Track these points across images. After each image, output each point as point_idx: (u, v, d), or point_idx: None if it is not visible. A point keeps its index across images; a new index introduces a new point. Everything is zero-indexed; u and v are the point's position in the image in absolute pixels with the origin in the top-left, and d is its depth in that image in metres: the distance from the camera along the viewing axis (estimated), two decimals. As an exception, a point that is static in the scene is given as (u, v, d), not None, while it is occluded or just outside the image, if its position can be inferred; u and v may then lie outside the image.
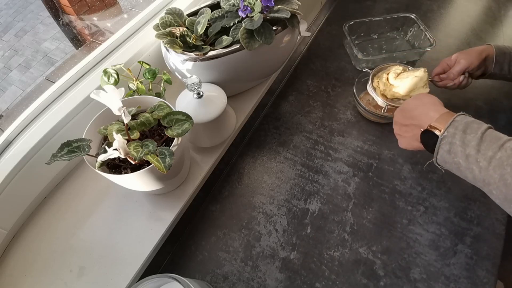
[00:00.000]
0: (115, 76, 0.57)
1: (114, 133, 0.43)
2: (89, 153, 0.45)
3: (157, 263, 0.58)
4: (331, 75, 0.86)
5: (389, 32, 0.93)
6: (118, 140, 0.43)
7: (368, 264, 0.57)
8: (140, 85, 0.59)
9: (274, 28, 0.59)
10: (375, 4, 1.06)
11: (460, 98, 0.77)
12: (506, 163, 0.38)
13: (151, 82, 0.60)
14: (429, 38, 0.81)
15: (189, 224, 0.63)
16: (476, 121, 0.44)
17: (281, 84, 0.84)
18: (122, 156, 0.45)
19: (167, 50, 0.60)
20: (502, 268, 0.56)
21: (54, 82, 0.61)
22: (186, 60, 0.58)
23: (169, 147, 0.48)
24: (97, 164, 0.46)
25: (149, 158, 0.44)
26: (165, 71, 0.62)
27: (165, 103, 0.52)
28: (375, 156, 0.69)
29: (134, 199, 0.60)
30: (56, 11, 1.76)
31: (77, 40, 1.72)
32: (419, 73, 0.65)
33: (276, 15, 0.57)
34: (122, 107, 0.44)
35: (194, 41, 0.58)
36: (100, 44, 0.66)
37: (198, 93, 0.56)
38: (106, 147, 0.43)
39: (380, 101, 0.69)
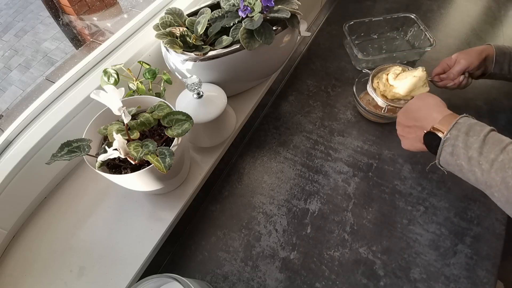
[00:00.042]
0: (115, 76, 0.57)
1: (114, 133, 0.43)
2: (89, 153, 0.45)
3: (157, 263, 0.58)
4: (331, 75, 0.86)
5: (389, 32, 0.93)
6: (118, 140, 0.43)
7: (368, 264, 0.57)
8: (140, 85, 0.59)
9: (274, 28, 0.59)
10: (375, 4, 1.05)
11: (460, 98, 0.77)
12: (508, 166, 0.38)
13: (151, 82, 0.60)
14: (429, 38, 0.81)
15: (189, 224, 0.63)
16: (479, 123, 0.44)
17: (281, 84, 0.84)
18: (122, 156, 0.45)
19: (167, 50, 0.60)
20: (502, 268, 0.56)
21: (54, 82, 0.61)
22: (186, 60, 0.58)
23: (169, 147, 0.48)
24: (97, 164, 0.46)
25: (149, 158, 0.44)
26: (165, 71, 0.62)
27: (165, 103, 0.52)
28: (375, 156, 0.69)
29: (134, 199, 0.60)
30: (56, 11, 1.76)
31: (77, 40, 1.72)
32: (418, 73, 0.65)
33: (276, 15, 0.57)
34: (122, 107, 0.44)
35: (194, 41, 0.58)
36: (100, 44, 0.66)
37: (198, 93, 0.56)
38: (106, 147, 0.43)
39: (380, 101, 0.69)
